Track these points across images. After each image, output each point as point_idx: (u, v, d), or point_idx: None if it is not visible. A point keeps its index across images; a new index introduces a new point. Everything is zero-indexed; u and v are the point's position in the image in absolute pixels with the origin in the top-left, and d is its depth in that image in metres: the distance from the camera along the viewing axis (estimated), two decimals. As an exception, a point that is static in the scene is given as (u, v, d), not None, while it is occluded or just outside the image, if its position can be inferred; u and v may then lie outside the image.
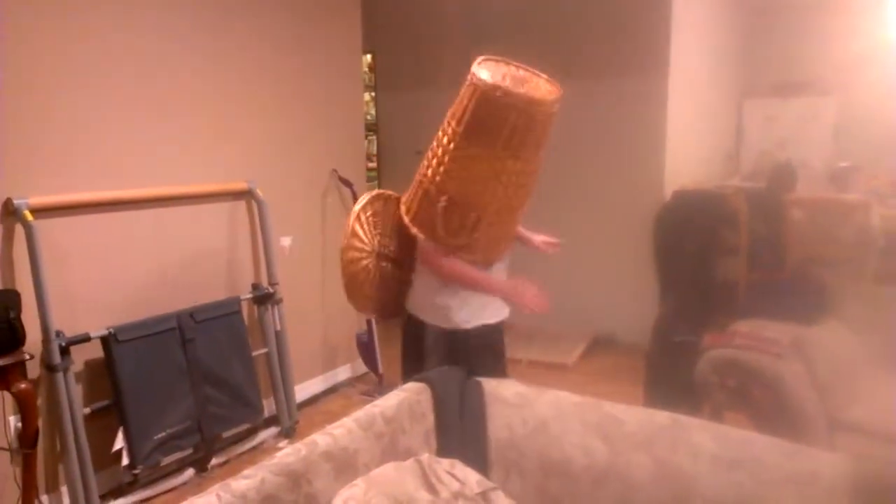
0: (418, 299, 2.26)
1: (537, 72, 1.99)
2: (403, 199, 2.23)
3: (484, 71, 1.88)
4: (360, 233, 2.21)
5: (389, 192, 2.34)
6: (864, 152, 5.25)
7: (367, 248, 2.23)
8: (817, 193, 4.80)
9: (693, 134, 5.15)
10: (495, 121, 1.87)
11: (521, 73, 1.96)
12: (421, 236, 2.09)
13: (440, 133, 2.04)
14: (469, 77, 1.91)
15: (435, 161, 2.03)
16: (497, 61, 1.95)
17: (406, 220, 2.14)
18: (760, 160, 5.70)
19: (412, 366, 2.28)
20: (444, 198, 1.98)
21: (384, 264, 2.29)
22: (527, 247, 2.38)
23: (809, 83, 5.69)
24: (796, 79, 5.73)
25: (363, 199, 2.25)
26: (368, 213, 2.24)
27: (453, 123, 1.96)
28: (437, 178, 2.01)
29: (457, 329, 2.18)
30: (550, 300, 2.08)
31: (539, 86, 1.92)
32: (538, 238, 2.39)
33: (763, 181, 4.57)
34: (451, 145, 1.96)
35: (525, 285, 2.09)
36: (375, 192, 2.32)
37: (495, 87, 1.83)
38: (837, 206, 4.38)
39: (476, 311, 2.19)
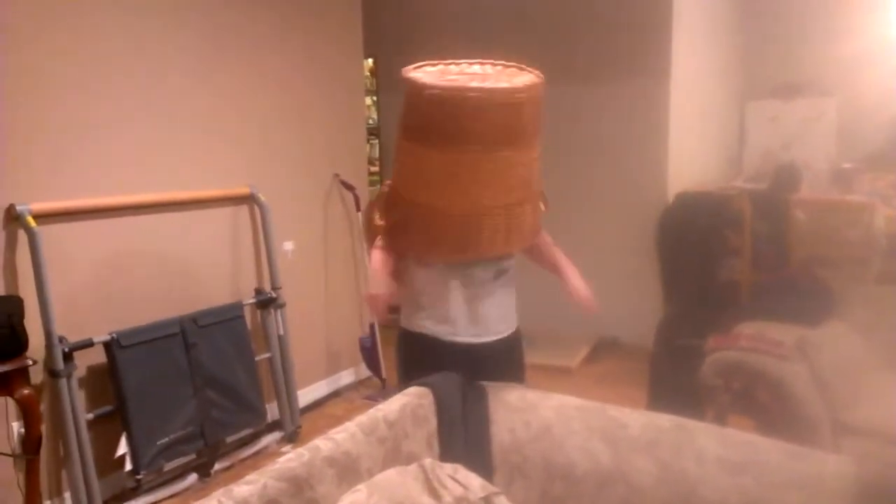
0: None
1: (508, 67, 1.89)
2: None
3: (414, 71, 1.87)
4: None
5: None
6: (868, 153, 5.25)
7: None
8: (821, 195, 4.79)
9: (696, 136, 5.15)
10: (416, 112, 1.87)
11: (473, 68, 1.89)
12: (373, 223, 2.08)
13: None
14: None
15: None
16: (436, 63, 1.91)
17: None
18: (764, 161, 5.69)
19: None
20: (387, 182, 2.07)
21: None
22: (561, 284, 2.14)
23: (811, 83, 5.69)
24: (798, 79, 5.73)
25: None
26: None
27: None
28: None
29: (410, 331, 2.11)
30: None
31: (493, 79, 1.83)
32: (578, 282, 2.11)
33: (766, 183, 4.57)
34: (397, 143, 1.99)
35: (380, 289, 1.97)
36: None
37: (406, 78, 1.83)
38: (841, 208, 4.37)
39: (418, 318, 2.09)
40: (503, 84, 1.77)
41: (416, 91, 1.80)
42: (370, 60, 5.73)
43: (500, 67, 1.90)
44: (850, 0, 5.50)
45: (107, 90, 2.86)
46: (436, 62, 1.92)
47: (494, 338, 2.08)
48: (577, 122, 4.89)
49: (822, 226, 4.11)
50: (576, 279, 2.11)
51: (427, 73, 1.85)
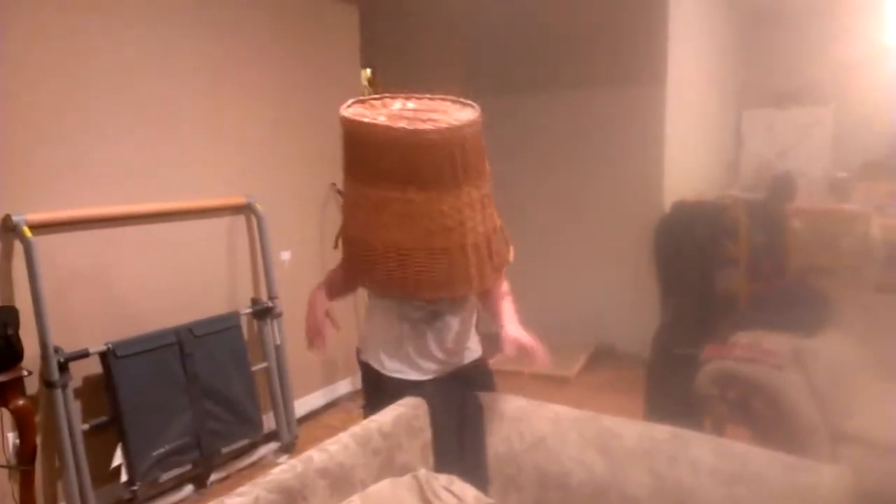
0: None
1: (455, 104, 1.82)
2: None
3: (351, 108, 1.86)
4: None
5: None
6: (864, 162, 5.25)
7: None
8: (817, 204, 4.79)
9: (692, 144, 5.15)
10: (344, 145, 1.89)
11: (410, 105, 1.85)
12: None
13: None
14: None
15: None
16: (373, 99, 1.91)
17: None
18: (760, 170, 5.70)
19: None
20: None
21: None
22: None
23: (808, 91, 5.70)
24: (795, 87, 5.74)
25: None
26: None
27: None
28: None
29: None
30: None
31: (421, 116, 1.76)
32: (514, 331, 1.84)
33: (763, 192, 4.57)
34: None
35: (316, 329, 2.05)
36: None
37: (340, 116, 1.82)
38: (837, 217, 4.37)
39: (374, 352, 2.07)
40: (411, 125, 1.68)
41: (341, 123, 1.80)
42: (368, 70, 5.74)
43: (447, 103, 1.82)
44: (846, 7, 5.52)
45: (103, 101, 2.86)
46: (382, 97, 1.91)
47: (422, 377, 2.00)
48: (572, 129, 4.91)
49: (817, 235, 4.12)
50: (512, 327, 1.85)
51: (364, 107, 1.83)
